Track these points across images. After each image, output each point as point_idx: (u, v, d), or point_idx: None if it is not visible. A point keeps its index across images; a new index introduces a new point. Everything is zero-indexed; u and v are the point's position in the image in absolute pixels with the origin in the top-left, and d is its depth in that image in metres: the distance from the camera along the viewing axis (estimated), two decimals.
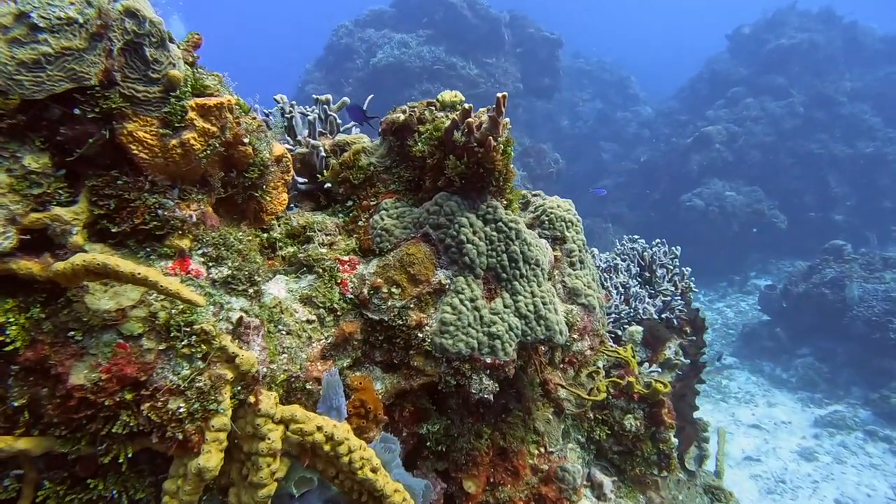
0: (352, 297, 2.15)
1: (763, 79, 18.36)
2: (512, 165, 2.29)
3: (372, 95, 4.51)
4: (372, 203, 2.30)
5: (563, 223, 2.56)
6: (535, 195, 3.95)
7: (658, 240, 5.16)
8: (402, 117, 2.29)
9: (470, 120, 2.04)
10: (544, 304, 2.16)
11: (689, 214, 16.17)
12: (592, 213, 18.56)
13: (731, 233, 16.00)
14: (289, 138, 2.58)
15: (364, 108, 3.41)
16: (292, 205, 2.42)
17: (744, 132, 17.17)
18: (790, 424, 11.00)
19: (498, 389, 2.13)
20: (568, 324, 2.31)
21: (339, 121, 2.72)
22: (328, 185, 2.41)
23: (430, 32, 17.26)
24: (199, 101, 1.64)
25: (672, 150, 17.51)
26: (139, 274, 1.48)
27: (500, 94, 1.97)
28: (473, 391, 2.08)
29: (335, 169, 2.38)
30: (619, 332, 4.30)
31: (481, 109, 2.26)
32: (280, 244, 2.23)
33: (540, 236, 2.50)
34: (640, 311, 4.39)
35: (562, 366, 2.40)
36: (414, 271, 2.08)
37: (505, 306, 2.12)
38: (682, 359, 4.58)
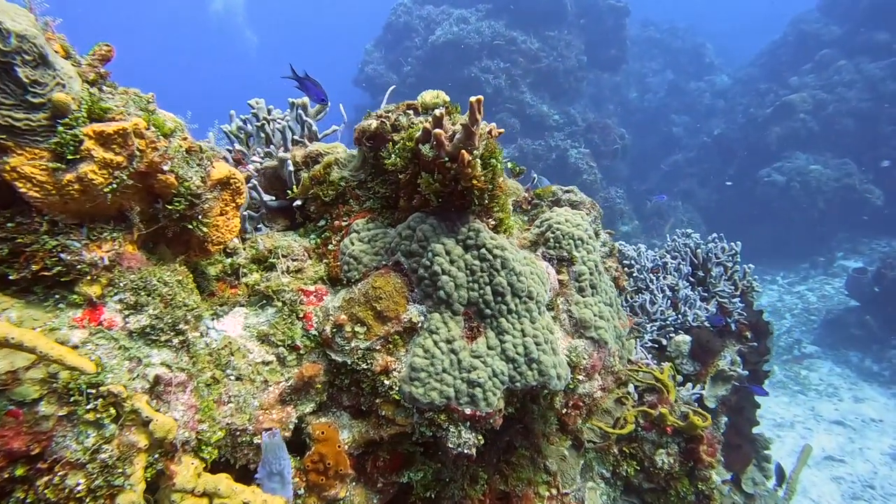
0: (315, 333, 1.87)
1: (860, 37, 16.45)
2: (502, 179, 1.91)
3: (394, 87, 4.20)
4: (343, 223, 2.00)
5: (571, 241, 2.16)
6: (566, 191, 3.52)
7: (715, 234, 4.60)
8: (375, 124, 1.97)
9: (437, 131, 1.67)
10: (538, 344, 1.80)
11: (768, 191, 14.91)
12: (661, 190, 17.51)
13: (816, 210, 14.63)
14: (260, 150, 2.31)
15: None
16: (261, 225, 2.15)
17: (834, 99, 15.53)
18: (881, 423, 9.96)
19: (482, 442, 1.80)
20: (571, 364, 1.94)
21: (314, 127, 2.41)
22: (298, 202, 2.13)
23: (489, 6, 16.58)
24: (97, 127, 1.37)
25: (749, 122, 16.12)
26: (13, 338, 1.25)
27: (473, 99, 1.60)
28: (451, 446, 1.77)
29: (305, 184, 2.09)
30: (664, 342, 3.84)
31: (458, 117, 1.88)
32: (244, 270, 1.97)
33: (544, 256, 2.13)
34: (690, 318, 3.89)
35: (565, 411, 2.04)
36: (381, 307, 1.77)
37: (489, 348, 1.78)
38: (738, 370, 4.06)
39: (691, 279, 4.38)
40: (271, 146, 2.25)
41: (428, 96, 2.02)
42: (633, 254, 4.29)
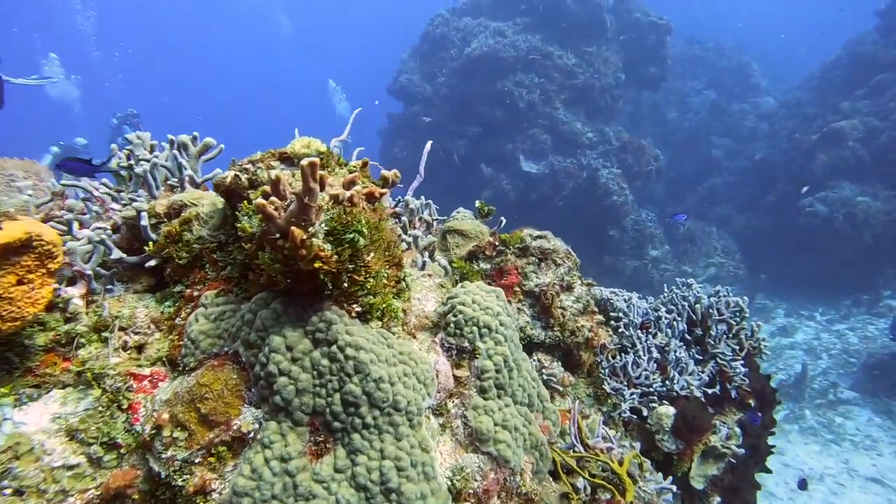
0: (139, 429, 1.48)
1: None
2: (372, 256, 1.49)
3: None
4: (196, 293, 1.62)
5: (474, 328, 1.72)
6: (538, 237, 3.06)
7: (720, 287, 4.04)
8: (230, 177, 1.57)
9: (260, 202, 1.27)
10: (401, 469, 1.38)
11: (810, 221, 13.93)
12: (696, 213, 16.65)
13: (862, 244, 13.59)
14: (143, 193, 1.95)
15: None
16: (113, 284, 1.79)
17: (888, 127, 14.42)
18: None
19: None
20: (454, 489, 1.50)
21: (188, 171, 2.01)
22: (153, 262, 1.76)
23: (527, 20, 16.14)
24: None
25: (794, 148, 15.15)
26: None
27: (306, 162, 1.18)
28: None
29: (160, 242, 1.72)
30: (645, 413, 3.33)
31: (341, 173, 1.46)
32: (82, 340, 1.61)
33: (444, 345, 1.70)
34: (678, 386, 3.37)
35: None
36: (206, 409, 1.38)
37: (336, 470, 1.37)
38: (733, 446, 3.51)
39: (688, 337, 3.84)
40: (139, 192, 1.91)
41: (298, 144, 1.63)
42: (623, 305, 3.78)
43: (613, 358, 3.48)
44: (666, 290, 4.03)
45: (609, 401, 3.31)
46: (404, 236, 2.96)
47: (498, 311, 1.77)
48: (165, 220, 1.81)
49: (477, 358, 1.71)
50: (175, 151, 1.98)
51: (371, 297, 1.52)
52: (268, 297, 1.44)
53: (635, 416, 3.33)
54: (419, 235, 2.95)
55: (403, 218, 3.11)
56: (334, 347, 1.39)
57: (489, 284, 2.99)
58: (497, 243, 3.00)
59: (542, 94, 15.36)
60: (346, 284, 1.42)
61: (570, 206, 14.87)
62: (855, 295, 13.90)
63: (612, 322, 3.70)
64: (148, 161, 1.90)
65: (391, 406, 1.40)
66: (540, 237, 3.05)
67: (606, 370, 3.38)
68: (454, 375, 1.65)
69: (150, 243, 1.79)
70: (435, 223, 3.27)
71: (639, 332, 3.64)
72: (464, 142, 16.01)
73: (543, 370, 2.79)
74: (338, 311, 1.45)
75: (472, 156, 15.92)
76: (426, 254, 2.79)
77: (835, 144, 14.35)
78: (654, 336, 3.73)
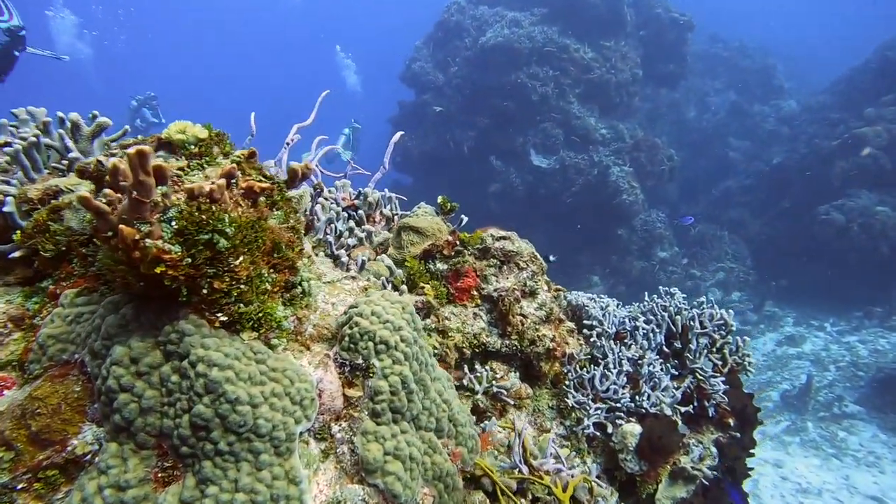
0: None
1: None
2: (241, 260, 1.29)
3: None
4: (58, 290, 1.44)
5: (370, 344, 1.51)
6: (500, 238, 2.85)
7: (704, 299, 3.80)
8: (93, 163, 1.38)
9: (82, 195, 1.07)
10: None
11: (825, 229, 13.48)
12: (708, 216, 16.25)
13: (878, 255, 13.14)
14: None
15: None
16: None
17: None
18: None
19: None
20: None
21: (73, 153, 1.80)
22: (17, 253, 1.57)
23: (545, 11, 15.76)
24: None
25: (813, 153, 14.65)
26: None
27: (133, 151, 0.99)
28: None
29: (27, 231, 1.54)
30: (610, 429, 3.11)
31: (223, 164, 1.26)
32: None
33: (337, 360, 1.50)
34: (646, 403, 3.14)
35: None
36: (38, 427, 1.20)
37: (182, 502, 1.17)
38: (704, 468, 3.29)
39: (666, 350, 3.61)
40: (17, 173, 1.73)
41: (174, 129, 1.43)
42: (597, 313, 3.56)
43: (582, 369, 3.27)
44: (647, 297, 3.80)
45: (573, 415, 3.10)
46: (357, 231, 2.76)
47: (400, 326, 1.55)
48: (39, 206, 1.64)
49: (371, 377, 1.50)
50: (60, 130, 1.80)
51: (241, 305, 1.33)
52: (119, 301, 1.26)
53: (599, 433, 3.12)
54: (373, 231, 2.75)
55: (360, 212, 2.91)
56: (185, 362, 1.21)
57: (445, 287, 2.79)
58: (456, 243, 2.79)
59: (557, 88, 15.01)
60: (205, 290, 1.23)
61: (578, 203, 14.56)
62: (868, 307, 13.46)
63: (586, 330, 3.48)
64: (25, 140, 1.71)
65: (251, 431, 1.21)
66: (503, 238, 2.83)
67: (573, 382, 3.17)
68: (345, 395, 1.45)
69: (19, 232, 1.61)
70: (396, 218, 3.06)
71: (612, 342, 3.41)
72: (474, 133, 15.73)
73: (494, 382, 2.58)
74: (195, 321, 1.26)
75: (482, 148, 15.64)
76: (359, 255, 2.59)
77: (855, 152, 13.85)
78: (629, 347, 3.50)
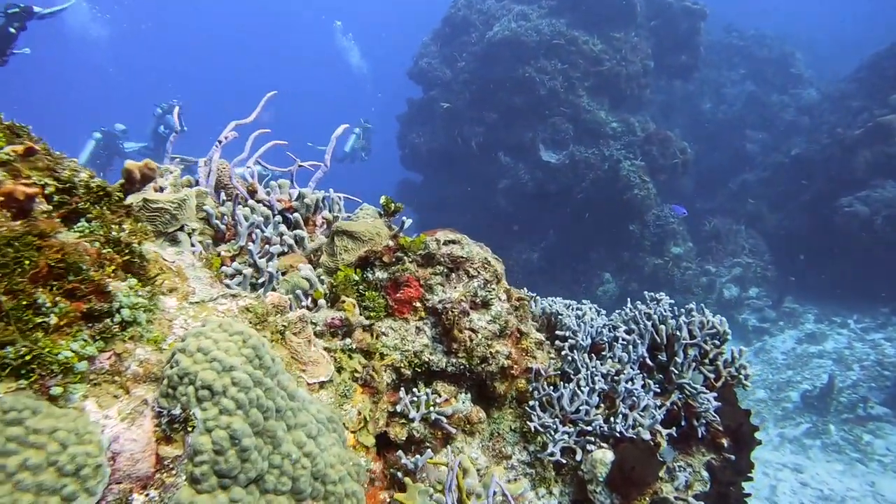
0: None
1: None
2: None
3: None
4: None
5: (189, 389, 1.16)
6: (449, 242, 2.51)
7: (694, 305, 3.40)
8: None
9: None
10: None
11: (848, 222, 12.80)
12: (723, 209, 15.63)
13: None
14: None
15: None
16: None
17: None
18: None
19: None
20: None
21: None
22: None
23: (553, 3, 15.28)
24: None
25: (835, 143, 13.93)
26: None
27: None
28: None
29: None
30: (580, 456, 2.74)
31: None
32: None
33: (156, 408, 1.17)
34: (620, 426, 2.76)
35: None
36: None
37: None
38: (689, 498, 2.91)
39: (650, 363, 3.22)
40: None
41: None
42: (572, 323, 3.18)
43: (552, 386, 2.90)
44: (629, 304, 3.41)
45: (538, 439, 2.74)
46: (286, 236, 2.43)
47: (231, 366, 1.21)
48: None
49: (191, 431, 1.17)
50: None
51: None
52: None
53: (568, 459, 2.75)
54: (305, 236, 2.42)
55: (296, 214, 2.58)
56: None
57: (383, 298, 2.45)
58: (396, 248, 2.45)
59: (565, 81, 14.54)
60: None
61: (589, 199, 14.09)
62: (894, 303, 12.76)
63: (558, 342, 3.11)
64: None
65: None
66: (451, 242, 2.48)
67: (538, 401, 2.80)
68: (157, 455, 1.13)
69: None
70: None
71: (586, 355, 3.03)
72: (482, 129, 15.35)
73: (433, 407, 2.23)
74: None
75: (491, 144, 15.25)
76: (267, 265, 2.26)
77: (880, 141, 13.10)
78: (606, 361, 3.13)
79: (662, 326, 3.17)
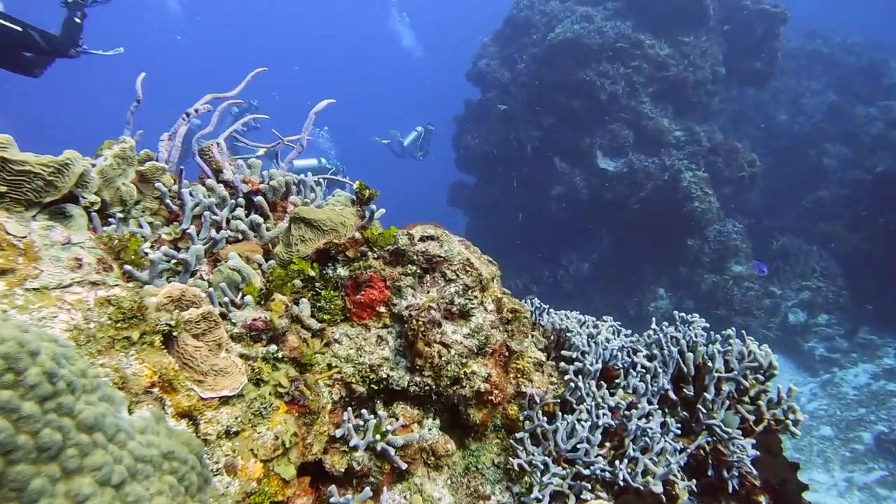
0: None
1: None
2: None
3: None
4: None
5: None
6: (425, 238, 2.12)
7: (733, 331, 2.85)
8: None
9: None
10: None
11: None
12: (794, 227, 14.40)
13: None
14: None
15: None
16: None
17: None
18: None
19: None
20: None
21: None
22: None
23: (619, 5, 14.55)
24: None
25: None
26: None
27: None
28: None
29: None
30: None
31: None
32: None
33: None
34: (625, 473, 2.28)
35: None
36: None
37: None
38: None
39: (673, 397, 2.71)
40: None
41: None
42: (581, 342, 2.71)
43: (549, 416, 2.44)
44: (654, 326, 2.89)
45: (524, 478, 2.29)
46: (239, 222, 2.10)
47: None
48: None
49: None
50: None
51: None
52: None
53: None
54: (261, 222, 2.07)
55: (259, 198, 2.25)
56: None
57: (342, 299, 2.07)
58: (363, 240, 2.07)
59: (628, 86, 13.79)
60: None
61: (646, 210, 13.27)
62: None
63: (563, 364, 2.64)
64: None
65: None
66: (428, 238, 2.08)
67: (529, 433, 2.35)
68: None
69: None
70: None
71: (594, 382, 2.55)
72: (538, 133, 14.80)
73: (381, 442, 1.83)
74: None
75: (546, 148, 14.68)
76: (184, 253, 1.91)
77: None
78: (619, 390, 2.64)
79: (690, 354, 2.64)
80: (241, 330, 1.77)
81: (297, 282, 2.00)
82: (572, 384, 2.45)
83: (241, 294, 1.84)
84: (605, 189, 13.87)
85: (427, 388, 1.97)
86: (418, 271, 2.07)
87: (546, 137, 14.69)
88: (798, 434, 2.76)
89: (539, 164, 14.88)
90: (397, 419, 1.95)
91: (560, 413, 2.41)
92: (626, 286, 14.00)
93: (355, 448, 1.81)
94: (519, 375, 2.42)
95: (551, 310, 3.05)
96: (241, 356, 1.68)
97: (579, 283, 14.67)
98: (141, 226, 2.06)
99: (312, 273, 2.03)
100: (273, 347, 1.80)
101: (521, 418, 2.36)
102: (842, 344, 12.43)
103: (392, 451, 1.84)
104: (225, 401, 1.48)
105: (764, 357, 2.79)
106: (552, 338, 2.85)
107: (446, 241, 2.09)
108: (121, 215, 1.91)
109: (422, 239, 2.08)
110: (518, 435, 2.27)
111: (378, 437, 1.82)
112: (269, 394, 1.65)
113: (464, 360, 1.99)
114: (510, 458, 2.17)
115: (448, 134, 17.94)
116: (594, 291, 14.35)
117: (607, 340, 2.74)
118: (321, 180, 2.51)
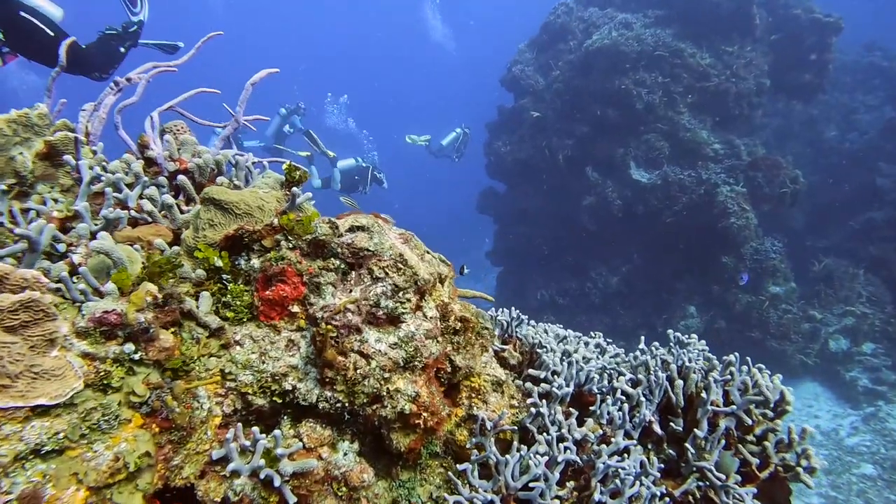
0: None
1: None
2: None
3: None
4: None
5: None
6: (354, 228, 1.80)
7: (734, 357, 2.42)
8: None
9: None
10: None
11: None
12: (840, 249, 13.47)
13: None
14: None
15: None
16: None
17: None
18: None
19: None
20: None
21: None
22: None
23: (660, 13, 13.98)
24: None
25: None
26: None
27: None
28: None
29: None
30: None
31: None
32: None
33: None
34: None
35: None
36: None
37: None
38: None
39: (659, 431, 2.31)
40: None
41: None
42: (552, 361, 2.33)
43: (505, 446, 2.08)
44: (643, 345, 2.49)
45: None
46: (148, 203, 1.81)
47: None
48: None
49: None
50: None
51: None
52: None
53: None
54: (172, 204, 1.79)
55: (182, 177, 1.97)
56: None
57: (254, 294, 1.76)
58: (281, 226, 1.76)
59: (665, 96, 13.19)
60: None
61: (680, 224, 12.64)
62: None
63: (529, 384, 2.27)
64: None
65: None
66: (358, 228, 1.75)
67: (474, 465, 1.99)
68: None
69: None
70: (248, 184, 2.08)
71: (560, 408, 2.18)
72: (571, 142, 14.31)
73: (267, 468, 1.50)
74: None
75: (579, 158, 14.18)
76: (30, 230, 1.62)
77: None
78: (591, 420, 2.26)
79: (680, 382, 2.23)
80: (88, 324, 1.48)
81: (201, 272, 1.72)
82: (534, 409, 2.07)
83: (108, 282, 1.56)
84: (637, 201, 13.29)
85: (338, 405, 1.65)
86: (343, 266, 1.76)
87: (579, 146, 14.20)
88: (811, 484, 2.31)
89: (571, 173, 14.40)
90: (301, 441, 1.64)
91: (515, 442, 2.04)
92: (655, 302, 13.36)
93: (236, 473, 1.50)
94: (473, 395, 2.06)
95: (531, 322, 2.68)
96: (86, 356, 1.39)
97: (607, 297, 14.07)
98: (45, 202, 1.81)
99: (220, 263, 1.74)
100: (130, 347, 1.50)
101: (470, 446, 2.00)
102: (889, 376, 11.49)
103: (278, 479, 1.52)
104: (43, 411, 1.20)
105: (772, 390, 2.35)
106: (526, 354, 2.47)
107: (378, 233, 1.76)
108: (4, 187, 1.66)
109: (351, 230, 1.76)
110: (461, 466, 1.91)
111: (263, 462, 1.51)
112: (119, 403, 1.36)
113: (386, 375, 1.66)
114: (445, 495, 1.81)
115: (480, 139, 17.61)
116: (622, 306, 13.75)
117: (585, 360, 2.35)
118: (265, 163, 2.23)
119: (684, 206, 12.60)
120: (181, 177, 2.01)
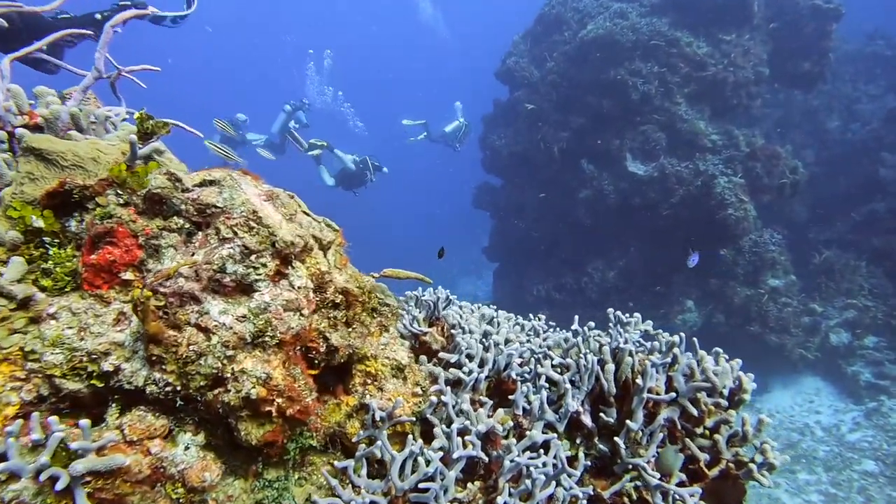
0: None
1: None
2: None
3: None
4: None
5: None
6: (204, 183, 1.51)
7: (679, 338, 2.11)
8: None
9: None
10: None
11: None
12: (842, 241, 13.03)
13: None
14: None
15: None
16: None
17: None
18: None
19: None
20: None
21: None
22: None
23: (656, 1, 13.61)
24: None
25: None
26: None
27: None
28: None
29: None
30: None
31: None
32: None
33: None
34: None
35: None
36: None
37: None
38: None
39: (589, 423, 2.00)
40: None
41: None
42: (468, 343, 2.03)
43: (402, 440, 1.78)
44: (577, 326, 2.18)
45: None
46: None
47: None
48: None
49: None
50: None
51: None
52: None
53: None
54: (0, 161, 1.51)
55: (21, 129, 1.69)
56: None
57: (81, 256, 1.47)
58: (126, 180, 1.47)
59: (661, 86, 12.80)
60: None
61: (677, 217, 12.26)
62: None
63: (434, 368, 1.97)
64: None
65: None
66: (209, 183, 1.46)
67: (357, 461, 1.69)
68: None
69: None
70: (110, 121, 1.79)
71: (468, 395, 1.88)
72: (566, 134, 13.95)
73: (53, 467, 1.21)
74: None
75: (574, 150, 13.83)
76: None
77: None
78: (516, 407, 1.96)
79: (611, 366, 1.92)
80: None
81: (14, 234, 1.45)
82: (435, 398, 1.77)
83: None
84: (634, 194, 12.92)
85: (169, 389, 1.37)
86: (187, 226, 1.48)
87: (574, 139, 13.84)
88: (768, 483, 1.99)
89: (566, 166, 14.05)
90: (123, 432, 1.35)
91: (411, 437, 1.74)
92: (652, 297, 12.99)
93: (15, 475, 1.22)
94: (369, 382, 1.77)
95: (457, 302, 2.38)
96: None
97: (604, 291, 13.71)
98: None
99: (40, 223, 1.46)
100: None
101: (358, 440, 1.70)
102: (892, 370, 11.07)
103: (65, 479, 1.23)
104: None
105: (724, 375, 2.04)
106: (445, 332, 2.17)
107: (230, 188, 1.47)
108: None
109: (201, 184, 1.48)
110: (340, 464, 1.61)
111: (47, 459, 1.22)
112: None
113: (230, 353, 1.37)
114: (316, 497, 1.52)
115: (476, 133, 17.29)
116: (619, 301, 13.38)
117: (506, 342, 2.04)
118: (125, 114, 1.95)
119: (681, 198, 12.23)
120: (20, 129, 1.73)
